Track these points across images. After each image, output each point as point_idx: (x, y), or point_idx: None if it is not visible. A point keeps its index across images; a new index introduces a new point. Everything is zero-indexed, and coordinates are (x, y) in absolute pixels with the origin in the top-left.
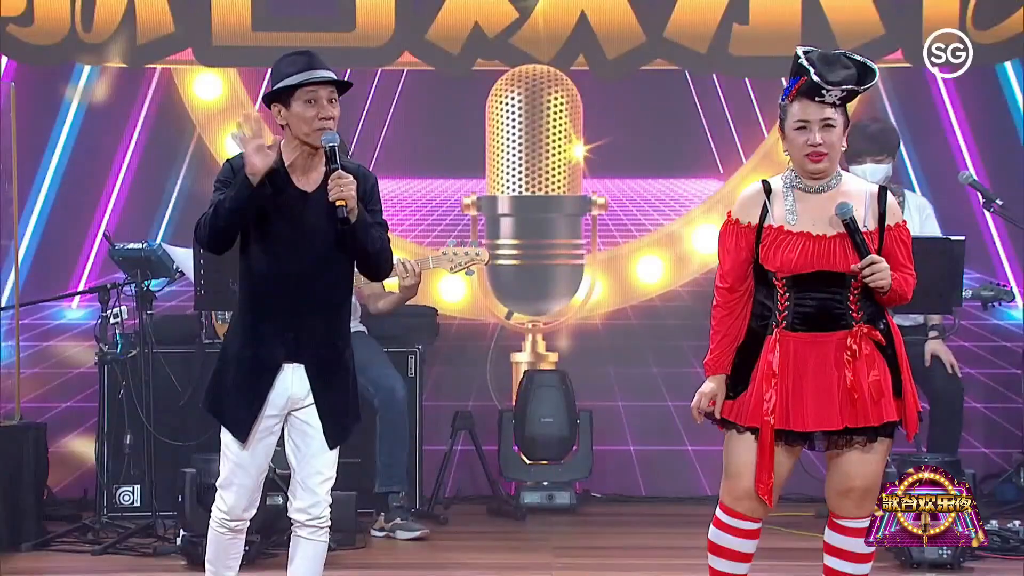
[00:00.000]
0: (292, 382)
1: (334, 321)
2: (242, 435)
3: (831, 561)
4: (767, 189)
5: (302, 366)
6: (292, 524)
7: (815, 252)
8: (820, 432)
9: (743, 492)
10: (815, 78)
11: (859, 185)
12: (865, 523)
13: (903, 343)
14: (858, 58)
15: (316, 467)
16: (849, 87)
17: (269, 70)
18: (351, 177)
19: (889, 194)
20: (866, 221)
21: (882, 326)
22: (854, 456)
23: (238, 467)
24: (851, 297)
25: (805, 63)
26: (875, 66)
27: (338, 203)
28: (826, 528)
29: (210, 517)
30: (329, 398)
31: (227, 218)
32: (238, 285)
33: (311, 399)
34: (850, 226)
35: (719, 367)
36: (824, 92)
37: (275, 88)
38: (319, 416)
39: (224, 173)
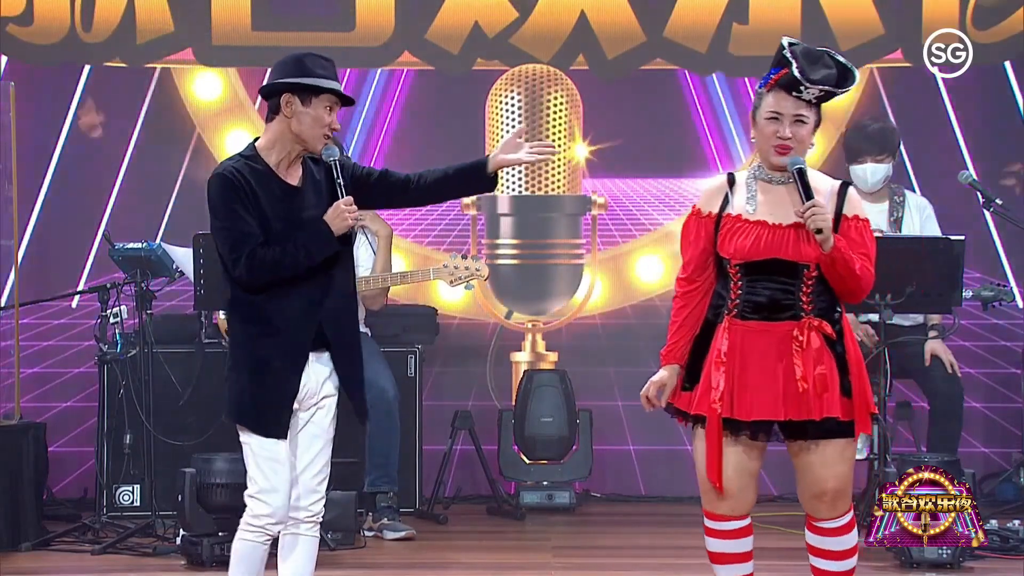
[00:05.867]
0: (310, 375)
1: (351, 304)
2: (284, 433)
3: (816, 561)
4: (731, 180)
5: (323, 355)
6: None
7: (769, 240)
8: (779, 423)
9: (718, 493)
10: (796, 73)
11: (824, 181)
12: (842, 521)
13: (856, 342)
14: (841, 60)
15: (319, 466)
16: (828, 88)
17: (285, 58)
18: (354, 211)
19: (851, 190)
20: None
21: (835, 322)
22: (821, 459)
23: (280, 466)
24: (804, 288)
25: (788, 56)
26: (856, 70)
27: None
28: (805, 530)
29: (240, 531)
30: (353, 376)
31: (297, 271)
32: (235, 292)
33: (322, 395)
34: (799, 174)
35: (672, 357)
36: (802, 88)
37: (310, 83)
38: (348, 392)
39: (229, 195)
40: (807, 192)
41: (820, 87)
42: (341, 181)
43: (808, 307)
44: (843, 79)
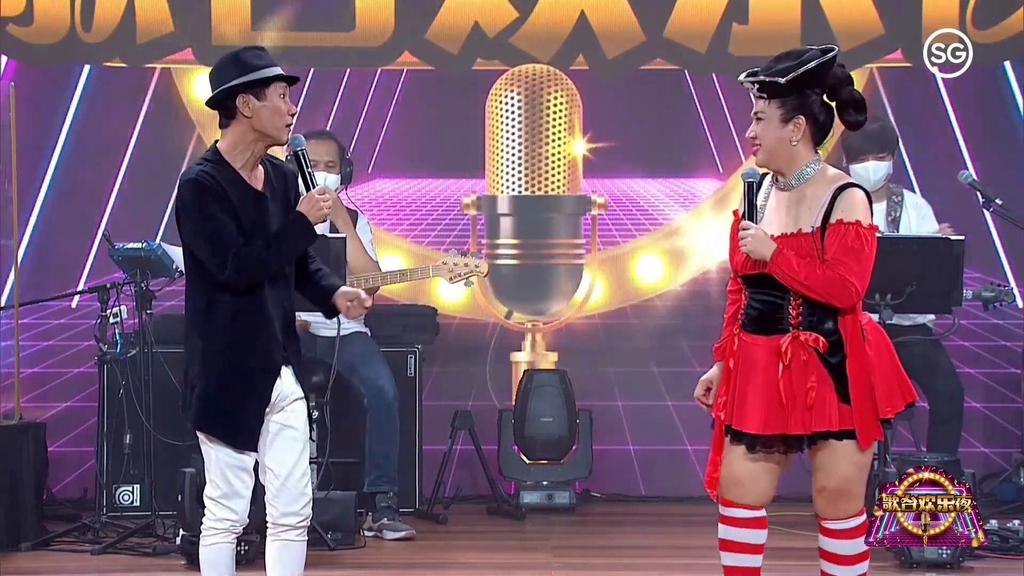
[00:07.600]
0: (284, 381)
1: (294, 317)
2: (253, 445)
3: (824, 565)
4: (759, 184)
5: (291, 367)
6: (271, 528)
7: None
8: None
9: (731, 480)
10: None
11: (826, 186)
12: (846, 524)
13: (860, 352)
14: (813, 49)
15: (302, 468)
16: (753, 79)
17: (220, 63)
18: (329, 197)
19: (848, 192)
20: (816, 218)
21: (830, 333)
22: (825, 457)
23: (246, 473)
24: (792, 301)
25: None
26: (813, 50)
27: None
28: (818, 532)
29: (204, 536)
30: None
31: (281, 265)
32: (208, 300)
33: (294, 396)
34: (748, 188)
35: (720, 353)
36: (745, 86)
37: (258, 77)
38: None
39: (204, 199)
40: (749, 210)
41: (750, 79)
42: (311, 170)
43: (795, 320)
44: (796, 67)
